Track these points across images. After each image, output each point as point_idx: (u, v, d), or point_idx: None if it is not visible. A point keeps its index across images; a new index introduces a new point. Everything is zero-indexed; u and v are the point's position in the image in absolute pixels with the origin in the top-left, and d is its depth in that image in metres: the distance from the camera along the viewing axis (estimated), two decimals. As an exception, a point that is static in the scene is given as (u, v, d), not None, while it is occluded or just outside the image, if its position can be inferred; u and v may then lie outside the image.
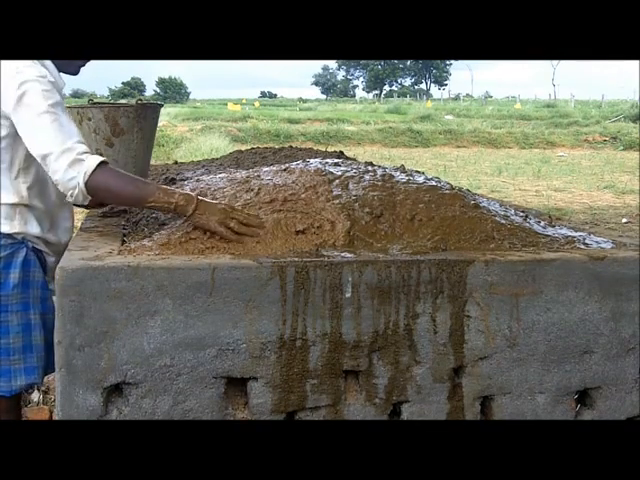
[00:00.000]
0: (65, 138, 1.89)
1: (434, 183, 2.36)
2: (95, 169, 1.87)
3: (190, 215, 1.93)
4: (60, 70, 2.12)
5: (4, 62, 1.95)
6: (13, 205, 2.04)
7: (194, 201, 1.93)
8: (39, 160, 1.92)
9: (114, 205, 2.44)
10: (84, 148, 1.91)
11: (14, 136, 1.98)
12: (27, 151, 1.98)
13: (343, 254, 1.96)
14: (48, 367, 2.14)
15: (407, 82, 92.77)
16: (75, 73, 2.19)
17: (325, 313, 1.91)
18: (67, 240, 2.23)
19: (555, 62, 59.10)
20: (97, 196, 1.94)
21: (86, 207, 2.62)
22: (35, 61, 1.99)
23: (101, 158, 1.91)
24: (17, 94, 1.91)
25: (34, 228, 2.08)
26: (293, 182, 2.23)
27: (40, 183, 2.09)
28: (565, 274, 2.03)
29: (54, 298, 1.87)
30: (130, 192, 1.93)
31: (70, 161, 1.86)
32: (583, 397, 2.15)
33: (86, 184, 1.87)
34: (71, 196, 1.92)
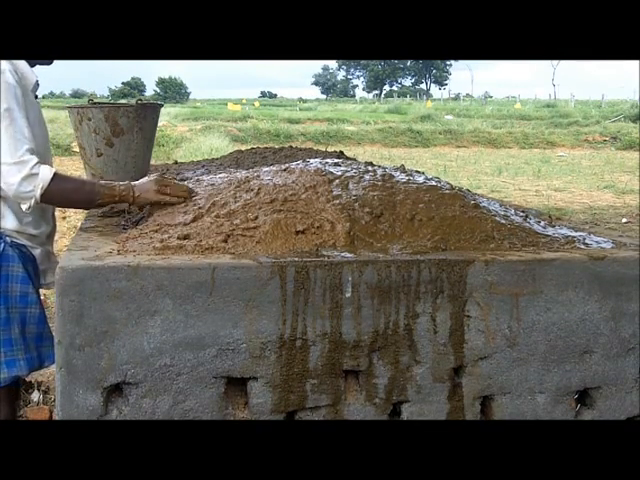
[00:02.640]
0: (17, 148, 1.96)
1: (434, 183, 2.36)
2: (50, 181, 1.99)
3: (133, 201, 2.15)
4: (32, 64, 2.13)
5: None
6: None
7: (131, 187, 2.13)
8: None
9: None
10: (35, 159, 1.99)
11: None
12: None
13: (343, 254, 1.96)
14: (42, 360, 2.15)
15: (407, 82, 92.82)
16: (49, 63, 2.23)
17: (325, 313, 1.91)
18: (51, 230, 2.25)
19: (555, 62, 59.12)
20: (50, 204, 2.13)
21: (86, 208, 2.63)
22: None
23: (53, 170, 2.02)
24: None
25: (10, 222, 2.10)
26: (293, 182, 2.23)
27: None
28: (565, 274, 2.03)
29: (53, 297, 1.87)
30: (79, 197, 2.11)
31: (24, 175, 1.96)
32: (583, 397, 2.15)
33: (42, 195, 1.99)
34: (27, 208, 2.02)
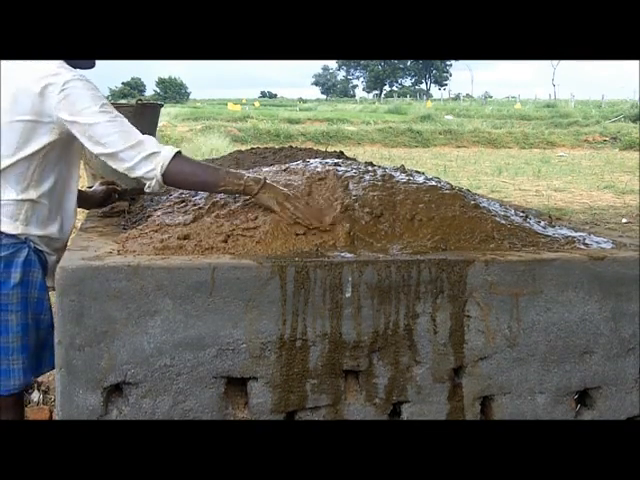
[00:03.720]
0: (129, 133, 1.97)
1: (434, 183, 2.36)
2: (171, 160, 1.96)
3: (255, 194, 2.04)
4: (75, 67, 2.13)
5: (27, 64, 1.97)
6: (18, 202, 2.04)
7: (261, 182, 2.04)
8: (105, 159, 1.99)
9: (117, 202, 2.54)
10: (153, 140, 2.00)
11: (52, 146, 2.02)
12: (44, 166, 2.04)
13: (343, 254, 1.96)
14: (41, 366, 2.15)
15: (407, 82, 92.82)
16: (91, 66, 2.21)
17: (325, 313, 1.91)
18: (68, 237, 2.24)
19: (555, 62, 59.12)
20: (173, 185, 2.08)
21: (87, 208, 2.63)
22: (60, 62, 2.00)
23: (175, 149, 2.00)
24: (62, 96, 1.94)
25: (37, 229, 2.08)
26: (293, 182, 2.23)
27: (50, 183, 2.09)
28: (565, 274, 2.03)
29: (54, 298, 1.87)
30: (203, 179, 2.03)
31: (145, 155, 1.95)
32: (583, 397, 2.15)
33: (163, 175, 1.97)
34: (148, 187, 2.02)
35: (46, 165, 2.06)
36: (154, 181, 1.99)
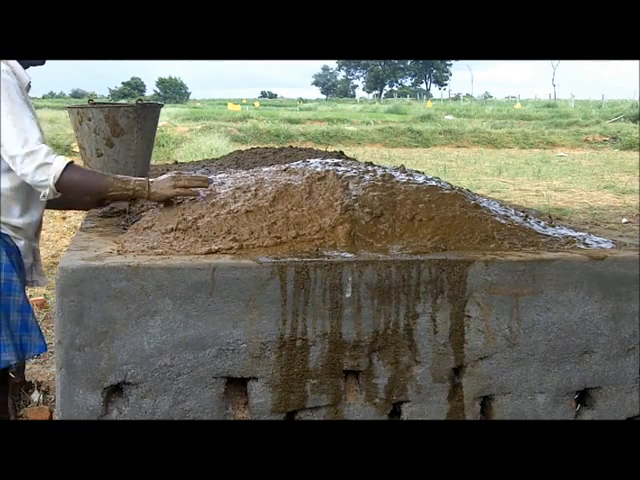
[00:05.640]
0: (27, 138, 2.00)
1: (434, 183, 2.36)
2: (62, 171, 2.02)
3: (147, 196, 2.14)
4: (26, 65, 2.16)
5: None
6: None
7: (146, 183, 2.13)
8: (6, 159, 2.03)
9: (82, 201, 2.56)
10: (46, 148, 2.03)
11: None
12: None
13: (343, 254, 1.96)
14: (24, 350, 2.16)
15: (407, 82, 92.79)
16: (42, 63, 2.25)
17: (325, 313, 1.91)
18: (37, 225, 2.26)
19: (555, 62, 59.13)
20: (65, 193, 2.13)
21: (86, 208, 2.63)
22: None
23: (66, 160, 2.05)
24: None
25: None
26: (293, 182, 2.23)
27: (7, 171, 2.12)
28: (565, 274, 2.03)
29: (54, 298, 1.87)
30: (91, 188, 2.14)
31: (37, 164, 2.01)
32: (583, 397, 2.15)
33: (56, 185, 2.03)
34: (42, 196, 2.08)
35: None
36: (47, 190, 2.05)
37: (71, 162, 2.06)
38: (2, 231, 2.13)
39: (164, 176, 2.21)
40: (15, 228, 2.16)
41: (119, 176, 2.18)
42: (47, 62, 2.26)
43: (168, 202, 2.19)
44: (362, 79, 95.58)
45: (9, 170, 2.10)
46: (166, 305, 1.84)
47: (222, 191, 2.24)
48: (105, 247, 2.03)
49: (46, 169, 2.01)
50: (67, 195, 2.22)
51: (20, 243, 2.19)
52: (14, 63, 2.10)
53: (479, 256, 2.01)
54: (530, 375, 2.06)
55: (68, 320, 1.82)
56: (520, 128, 23.86)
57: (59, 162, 2.03)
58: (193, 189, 2.18)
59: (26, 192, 2.17)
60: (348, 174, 2.30)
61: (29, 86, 2.19)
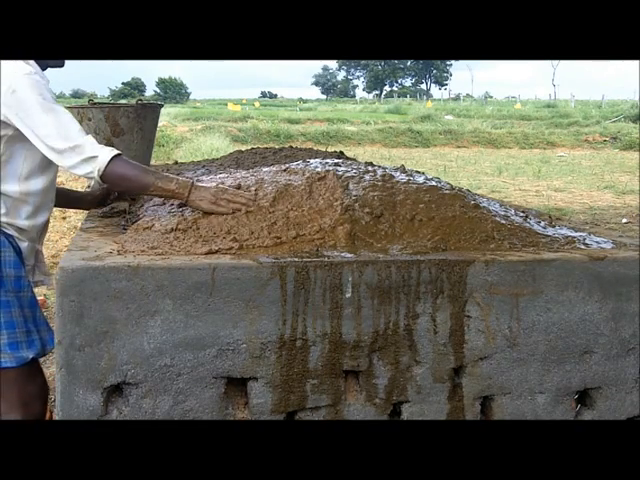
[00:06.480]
0: (68, 132, 2.01)
1: (434, 183, 2.36)
2: (107, 164, 2.02)
3: (186, 200, 2.10)
4: (45, 66, 2.17)
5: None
6: None
7: (189, 187, 2.10)
8: (47, 154, 2.02)
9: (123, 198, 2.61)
10: (91, 140, 2.04)
11: (11, 143, 2.06)
12: (7, 157, 2.08)
13: (343, 254, 1.96)
14: (44, 344, 2.17)
15: (407, 82, 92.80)
16: (61, 65, 2.26)
17: (325, 313, 1.91)
18: (42, 227, 2.26)
19: (555, 62, 59.14)
20: (110, 185, 2.20)
21: (86, 208, 2.63)
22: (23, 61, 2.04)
23: (112, 152, 2.05)
24: (8, 93, 1.99)
25: (2, 216, 2.11)
26: (293, 182, 2.23)
27: (29, 177, 2.13)
28: (565, 274, 2.03)
29: (54, 298, 1.87)
30: (136, 183, 2.11)
31: (83, 158, 2.01)
32: (583, 397, 2.15)
33: (101, 177, 2.04)
34: (88, 186, 2.15)
35: (9, 157, 2.09)
36: (93, 181, 2.08)
37: (118, 155, 2.06)
38: (7, 231, 2.14)
39: (210, 184, 2.17)
40: (20, 230, 2.16)
41: (163, 174, 2.15)
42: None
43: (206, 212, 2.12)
44: (362, 79, 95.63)
45: (28, 177, 2.12)
46: (166, 305, 1.84)
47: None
48: (105, 247, 2.03)
49: (91, 162, 2.01)
50: (113, 188, 2.32)
51: (23, 245, 2.19)
52: (33, 64, 2.10)
53: (479, 256, 2.01)
54: (530, 375, 2.06)
55: (68, 320, 1.82)
56: (520, 128, 23.87)
57: (104, 154, 2.03)
58: (234, 205, 2.10)
59: (40, 197, 2.18)
60: (348, 174, 2.30)
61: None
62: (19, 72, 2.00)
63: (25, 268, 2.18)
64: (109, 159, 2.02)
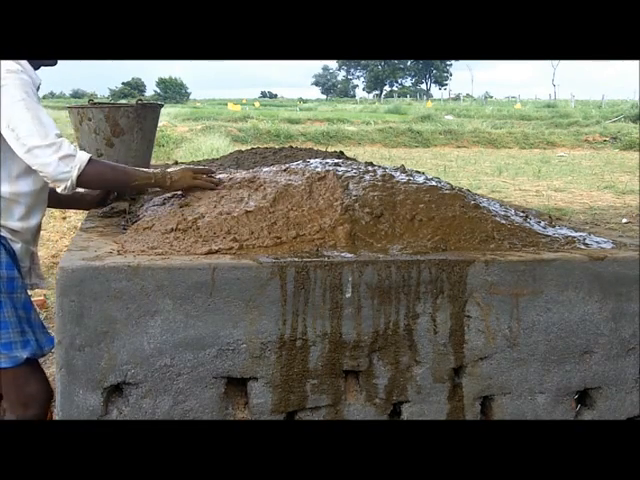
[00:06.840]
0: (47, 131, 2.00)
1: (434, 183, 2.36)
2: (87, 163, 2.04)
3: (169, 185, 2.23)
4: (37, 66, 2.16)
5: None
6: None
7: (167, 173, 2.22)
8: (21, 153, 2.00)
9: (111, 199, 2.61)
10: (68, 142, 2.05)
11: None
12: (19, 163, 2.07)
13: (343, 254, 1.96)
14: (41, 346, 2.16)
15: (407, 82, 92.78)
16: (53, 64, 2.25)
17: (325, 313, 1.91)
18: (36, 229, 2.26)
19: (555, 62, 59.14)
20: (88, 186, 2.22)
21: (86, 208, 2.63)
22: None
23: (89, 154, 2.08)
24: None
25: None
26: (293, 182, 2.23)
27: (20, 177, 2.12)
28: (565, 274, 2.03)
29: (54, 298, 1.87)
30: (116, 178, 2.18)
31: (61, 155, 2.01)
32: (583, 397, 2.15)
33: (78, 177, 2.04)
34: (64, 189, 2.06)
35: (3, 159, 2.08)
36: (69, 182, 2.04)
37: (91, 156, 2.09)
38: (1, 233, 2.13)
39: (178, 167, 2.29)
40: (13, 231, 2.16)
41: (139, 168, 2.23)
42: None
43: (187, 191, 2.28)
44: (362, 79, 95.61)
45: (18, 177, 2.10)
46: (166, 305, 1.84)
47: (223, 191, 2.24)
48: (105, 247, 2.03)
49: (69, 160, 2.02)
50: (89, 188, 2.30)
51: (17, 246, 2.18)
52: (24, 63, 2.10)
53: (479, 256, 2.01)
54: (530, 375, 2.06)
55: (68, 320, 1.82)
56: (520, 128, 23.87)
57: (83, 154, 2.05)
58: (210, 178, 2.29)
59: (32, 198, 2.17)
60: (348, 174, 2.30)
61: (38, 87, 2.20)
62: (5, 69, 2.00)
63: (18, 270, 2.16)
64: (88, 158, 2.05)
